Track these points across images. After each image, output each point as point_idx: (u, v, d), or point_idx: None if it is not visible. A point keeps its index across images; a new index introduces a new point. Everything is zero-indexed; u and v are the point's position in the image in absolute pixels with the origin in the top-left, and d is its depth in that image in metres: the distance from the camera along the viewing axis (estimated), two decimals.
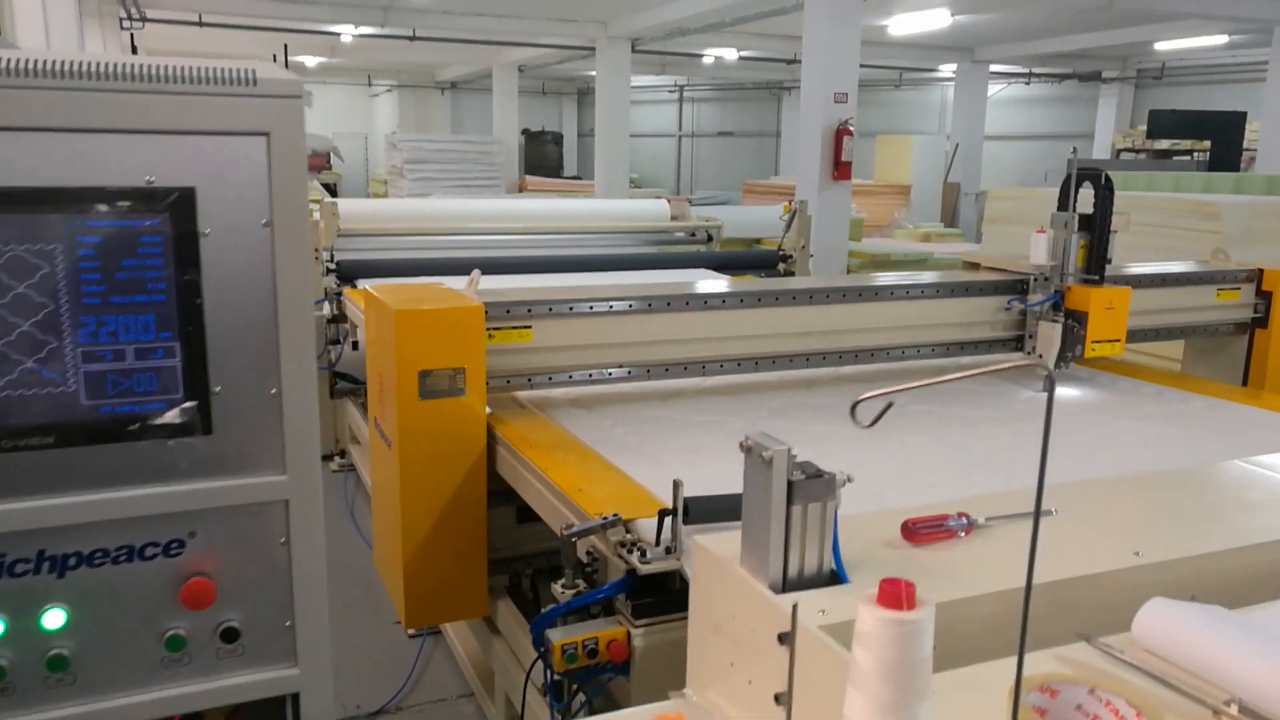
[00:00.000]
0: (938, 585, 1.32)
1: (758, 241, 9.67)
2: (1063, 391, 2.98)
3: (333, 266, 4.86)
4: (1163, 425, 2.65)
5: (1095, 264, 2.97)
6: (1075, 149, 3.08)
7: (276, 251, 1.61)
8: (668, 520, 1.74)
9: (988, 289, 3.14)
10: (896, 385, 1.26)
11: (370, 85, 23.68)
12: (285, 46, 11.80)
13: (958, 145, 16.09)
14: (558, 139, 23.42)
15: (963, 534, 1.50)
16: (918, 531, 1.47)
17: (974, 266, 3.33)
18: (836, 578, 1.30)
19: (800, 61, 9.30)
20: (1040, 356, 3.00)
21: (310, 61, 19.35)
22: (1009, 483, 2.14)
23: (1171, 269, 3.39)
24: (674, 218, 6.31)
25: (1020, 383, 3.08)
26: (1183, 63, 16.17)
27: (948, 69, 16.93)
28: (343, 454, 5.43)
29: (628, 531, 1.82)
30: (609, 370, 2.77)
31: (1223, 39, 13.12)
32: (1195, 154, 14.78)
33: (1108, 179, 2.92)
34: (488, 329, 2.53)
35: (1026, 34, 13.82)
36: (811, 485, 1.26)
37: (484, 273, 4.99)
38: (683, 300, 2.83)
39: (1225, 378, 3.38)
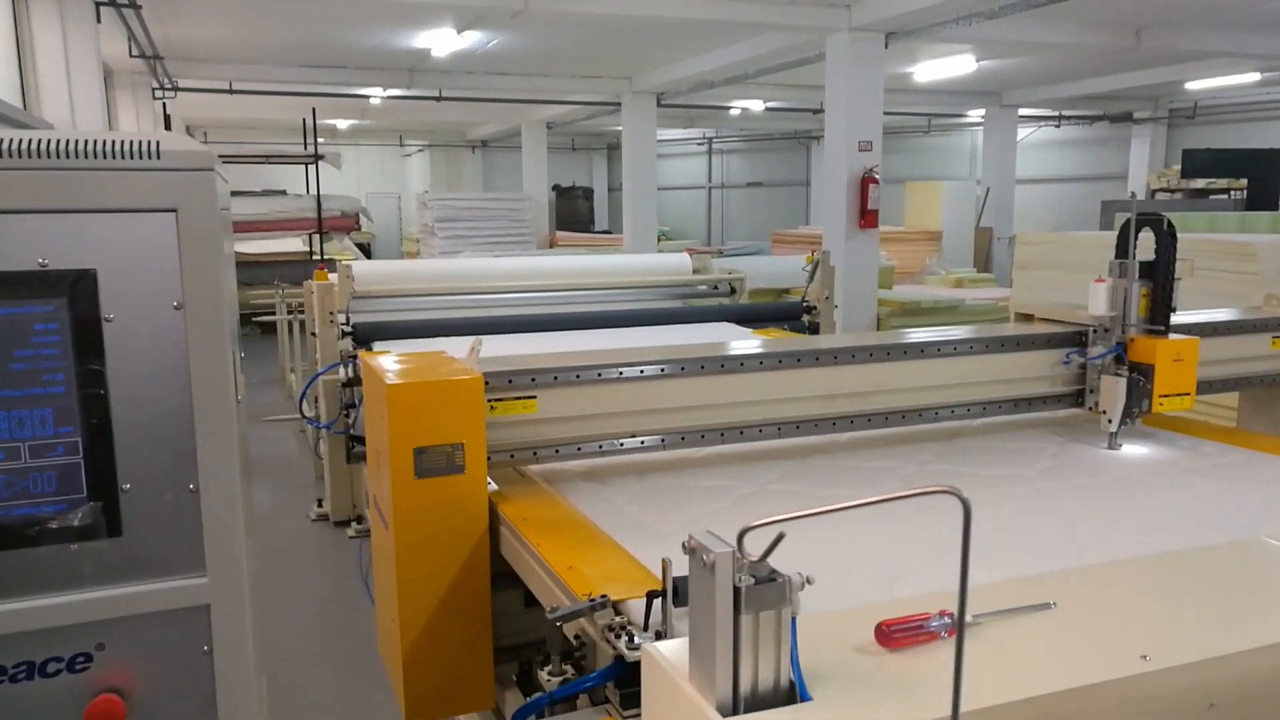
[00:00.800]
0: (913, 703, 1.16)
1: (786, 292, 9.58)
2: (1128, 449, 2.80)
3: (348, 329, 4.80)
4: (1228, 488, 2.44)
5: (1159, 313, 2.80)
6: (1134, 193, 2.93)
7: (190, 336, 1.49)
8: (657, 602, 1.60)
9: (1043, 342, 2.95)
10: (789, 514, 1.12)
11: (402, 145, 24.12)
12: (314, 110, 12.01)
13: (989, 189, 15.95)
14: (588, 194, 23.65)
15: (945, 635, 1.32)
16: (893, 635, 1.30)
17: (1028, 318, 3.15)
18: (796, 694, 1.15)
19: (825, 110, 9.28)
20: (1104, 412, 2.82)
21: (342, 124, 19.79)
22: (1027, 557, 1.97)
23: (1223, 317, 3.19)
24: (696, 271, 6.22)
25: (1067, 434, 2.91)
26: (1215, 101, 15.97)
27: (976, 114, 16.87)
28: (359, 519, 5.33)
29: (617, 614, 1.68)
30: (620, 440, 2.59)
31: (1256, 76, 12.93)
32: (1232, 192, 14.54)
33: (1170, 223, 2.77)
34: (489, 400, 2.37)
35: (1054, 77, 13.73)
36: (763, 592, 1.11)
37: (500, 332, 4.96)
38: (698, 364, 2.64)
39: None
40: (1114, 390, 2.78)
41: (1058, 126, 17.72)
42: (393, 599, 2.26)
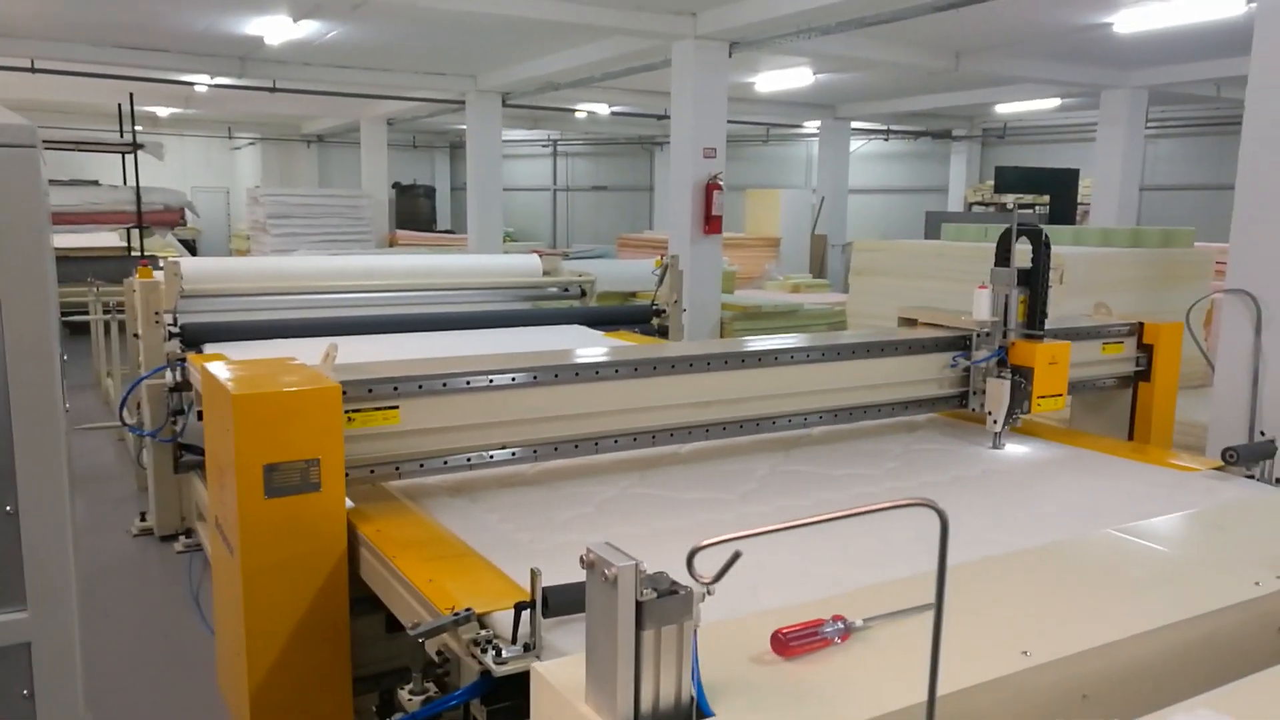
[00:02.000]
0: (814, 713, 1.18)
1: (633, 295, 9.66)
2: (1009, 448, 2.93)
3: (175, 330, 4.49)
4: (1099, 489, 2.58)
5: (1036, 319, 2.97)
6: (1015, 204, 3.11)
7: (8, 336, 1.32)
8: (525, 614, 1.57)
9: (930, 346, 3.05)
10: (740, 532, 1.12)
11: (231, 137, 22.83)
12: (131, 96, 11.17)
13: (823, 198, 16.65)
14: (430, 193, 23.10)
15: (838, 640, 1.36)
16: (790, 643, 1.32)
17: (910, 322, 3.27)
18: (698, 709, 1.14)
19: (670, 117, 9.42)
20: (990, 413, 2.95)
21: (163, 112, 18.54)
22: (921, 558, 2.04)
23: (1073, 324, 3.38)
24: (546, 273, 6.19)
25: (966, 438, 3.03)
26: (1022, 123, 17.30)
27: (812, 125, 17.57)
28: (188, 533, 5.00)
29: (483, 628, 1.63)
30: (489, 452, 2.44)
31: (1055, 102, 14.07)
32: (1037, 207, 15.77)
33: (1046, 236, 2.94)
34: (347, 411, 2.21)
35: (884, 93, 14.48)
36: (665, 605, 1.09)
37: (346, 334, 4.76)
38: (571, 370, 2.50)
39: (1111, 431, 3.43)
40: (999, 392, 2.93)
41: (886, 140, 18.70)
42: (238, 630, 2.08)
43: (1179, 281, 5.96)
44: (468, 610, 1.63)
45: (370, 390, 2.29)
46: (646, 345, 3.46)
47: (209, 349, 4.39)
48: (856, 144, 18.11)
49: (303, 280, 5.29)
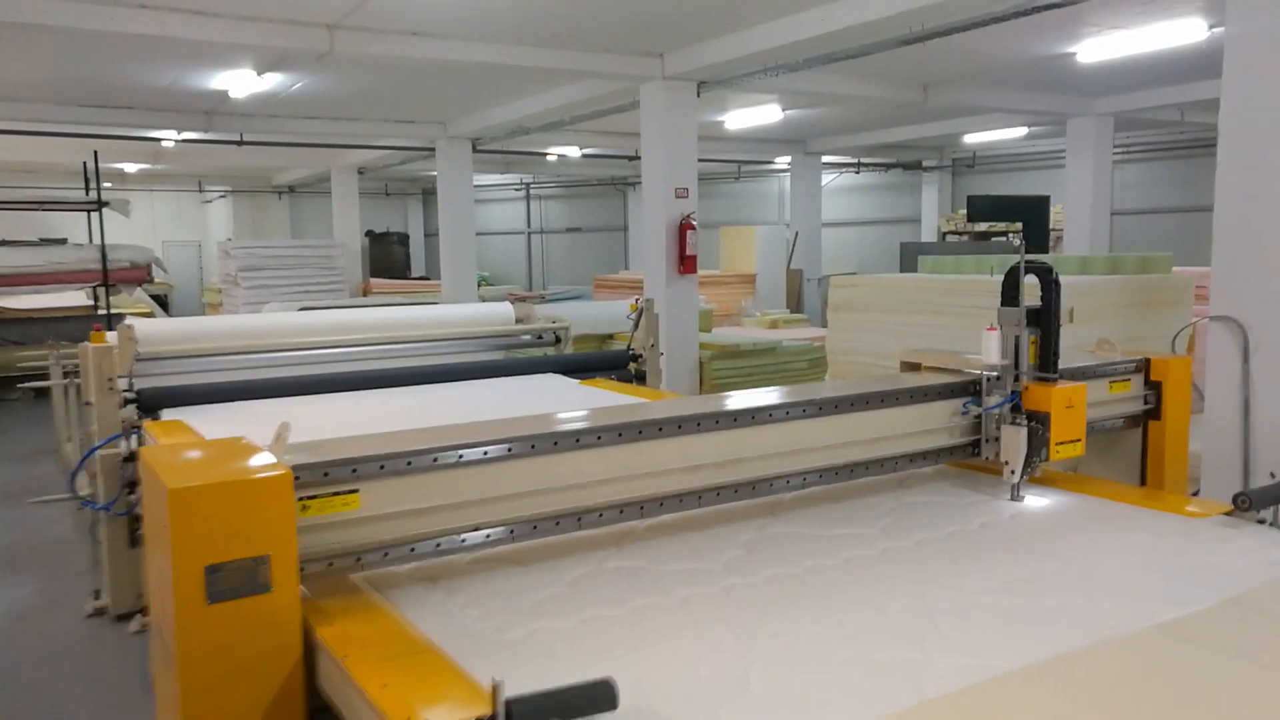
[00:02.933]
0: None
1: (610, 337, 9.54)
2: (1030, 501, 2.73)
3: (131, 396, 4.30)
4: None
5: (1048, 360, 2.81)
6: (1018, 237, 2.95)
7: None
8: None
9: (937, 393, 2.83)
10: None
11: (202, 191, 22.68)
12: (95, 153, 11.01)
13: (797, 233, 16.65)
14: (403, 239, 22.99)
15: None
16: None
17: (914, 367, 3.08)
18: None
19: (641, 157, 9.36)
20: (1006, 463, 2.74)
21: (131, 168, 18.38)
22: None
23: (1070, 364, 3.20)
24: (520, 319, 6.04)
25: (978, 489, 2.83)
26: (991, 152, 17.44)
27: (783, 160, 17.63)
28: (144, 611, 4.75)
29: None
30: (461, 536, 2.19)
31: (1023, 131, 14.18)
32: (1010, 235, 15.85)
33: (1054, 270, 2.79)
34: (301, 499, 1.97)
35: (853, 127, 14.55)
36: None
37: (309, 393, 4.58)
38: (550, 439, 2.25)
39: (1122, 475, 3.27)
40: (1015, 440, 2.72)
41: (857, 173, 18.79)
42: None
43: (1161, 308, 5.89)
44: None
45: (326, 474, 2.05)
46: (631, 407, 3.24)
47: (167, 414, 4.20)
48: (828, 178, 18.19)
49: (266, 338, 5.11)
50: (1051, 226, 15.01)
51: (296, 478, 1.95)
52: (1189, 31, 7.63)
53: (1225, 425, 4.43)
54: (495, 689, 1.37)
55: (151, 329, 4.79)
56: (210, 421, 3.76)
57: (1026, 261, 2.76)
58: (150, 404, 4.31)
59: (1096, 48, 8.51)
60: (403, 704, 1.56)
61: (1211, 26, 7.40)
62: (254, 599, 1.82)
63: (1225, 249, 4.44)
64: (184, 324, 5.27)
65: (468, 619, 2.01)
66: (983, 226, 16.12)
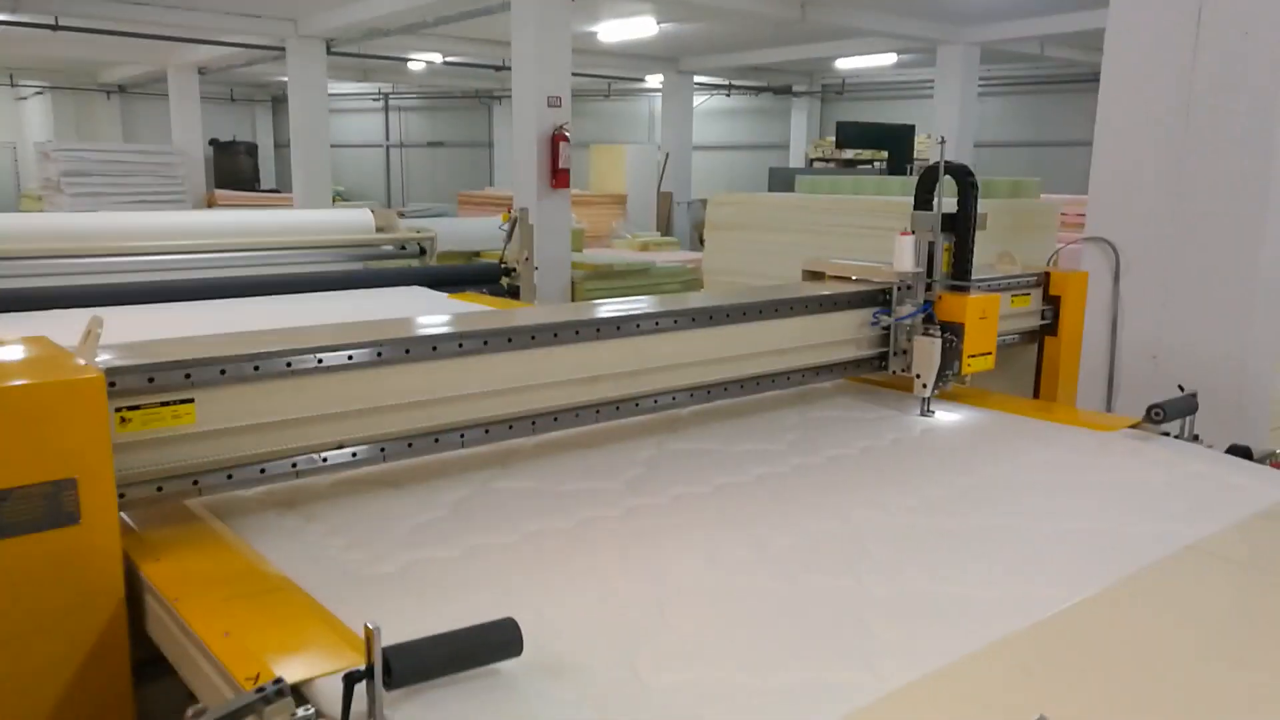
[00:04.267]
0: None
1: (477, 254, 9.11)
2: (940, 416, 2.59)
3: None
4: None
5: (964, 269, 2.64)
6: (944, 138, 2.73)
7: None
8: (360, 686, 1.13)
9: (845, 302, 2.63)
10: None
11: (14, 85, 20.40)
12: None
13: (668, 155, 16.40)
14: (251, 150, 21.48)
15: None
16: None
17: (817, 276, 2.87)
18: None
19: (510, 68, 8.85)
20: (918, 376, 2.59)
21: None
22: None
23: (989, 274, 3.07)
24: (380, 229, 5.59)
25: (883, 404, 2.68)
26: (861, 80, 17.59)
27: (654, 80, 17.26)
28: None
29: (303, 705, 1.18)
30: (323, 455, 1.88)
31: (892, 58, 14.30)
32: (875, 162, 16.13)
33: (973, 175, 2.60)
34: (119, 410, 1.64)
35: (727, 46, 14.32)
36: None
37: (135, 302, 4.04)
38: (428, 344, 1.95)
39: (1016, 389, 3.23)
40: (929, 352, 2.57)
41: (728, 96, 18.62)
42: None
43: (1031, 232, 5.99)
44: (278, 681, 1.16)
45: (152, 379, 1.69)
46: (515, 310, 2.96)
47: None
48: (699, 100, 17.95)
49: (87, 241, 4.50)
50: (915, 156, 15.35)
51: (112, 383, 1.61)
52: None
53: (1095, 340, 4.56)
54: (369, 636, 1.10)
55: None
56: (17, 333, 3.24)
57: (945, 163, 2.60)
58: None
59: None
60: (249, 655, 1.26)
61: None
62: (58, 532, 1.48)
63: (1102, 175, 4.52)
64: None
65: (331, 549, 1.71)
66: (850, 154, 16.32)
